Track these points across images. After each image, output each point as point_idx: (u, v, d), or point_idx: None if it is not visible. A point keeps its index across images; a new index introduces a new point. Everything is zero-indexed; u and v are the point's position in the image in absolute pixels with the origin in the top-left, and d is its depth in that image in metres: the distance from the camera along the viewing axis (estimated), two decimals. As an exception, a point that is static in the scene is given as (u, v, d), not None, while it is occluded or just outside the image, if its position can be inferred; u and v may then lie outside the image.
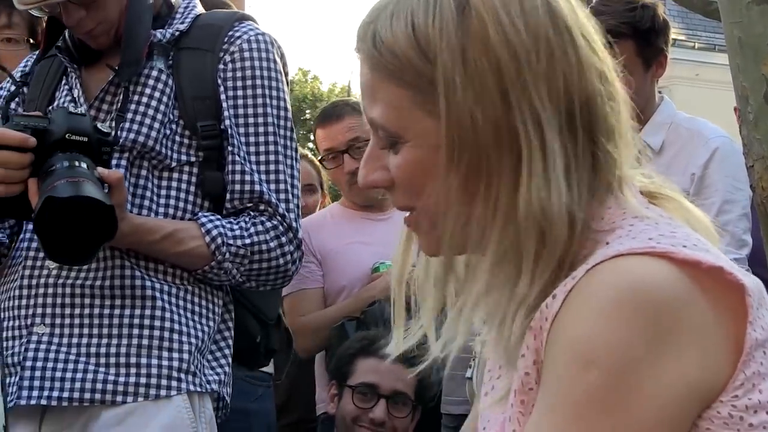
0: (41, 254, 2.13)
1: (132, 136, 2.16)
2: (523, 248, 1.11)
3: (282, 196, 2.21)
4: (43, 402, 2.06)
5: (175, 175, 2.20)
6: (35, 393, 2.06)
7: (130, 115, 2.17)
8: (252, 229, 2.18)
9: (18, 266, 2.18)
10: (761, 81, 2.29)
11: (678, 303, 1.04)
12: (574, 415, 1.04)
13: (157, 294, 2.14)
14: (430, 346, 1.26)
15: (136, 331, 2.11)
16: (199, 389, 2.14)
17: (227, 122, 2.20)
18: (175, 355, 2.12)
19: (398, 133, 1.17)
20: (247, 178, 2.19)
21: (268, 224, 2.19)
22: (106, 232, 1.94)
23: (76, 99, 2.23)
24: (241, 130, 2.21)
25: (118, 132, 2.15)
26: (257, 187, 2.19)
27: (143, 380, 2.09)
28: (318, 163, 4.05)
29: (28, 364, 2.08)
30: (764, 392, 1.07)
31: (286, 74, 2.32)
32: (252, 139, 2.21)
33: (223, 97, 2.21)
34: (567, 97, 1.13)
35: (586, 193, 1.13)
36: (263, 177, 2.20)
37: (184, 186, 2.20)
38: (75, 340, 2.10)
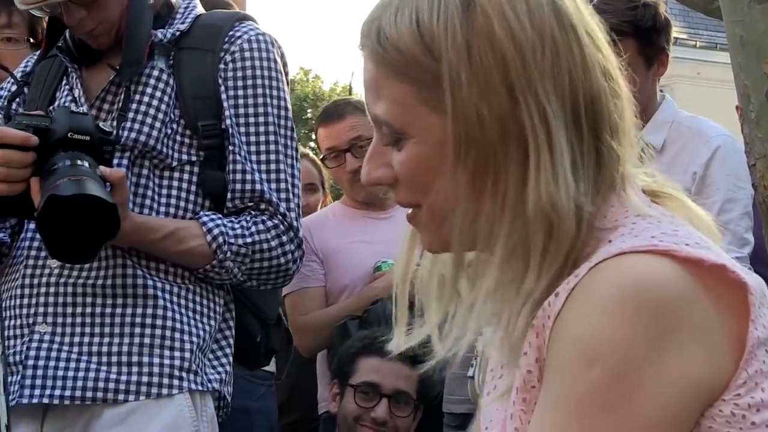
0: (43, 253, 2.14)
1: (133, 135, 2.16)
2: (531, 242, 1.11)
3: (283, 195, 2.22)
4: (45, 401, 2.07)
5: (176, 174, 2.20)
6: (37, 392, 2.06)
7: (131, 115, 2.18)
8: (253, 228, 2.18)
9: (19, 265, 2.18)
10: (763, 79, 2.29)
11: (680, 301, 1.04)
12: (577, 413, 1.04)
13: (159, 293, 2.14)
14: (435, 345, 1.25)
15: (137, 330, 2.11)
16: (200, 388, 2.14)
17: (228, 122, 2.20)
18: (177, 353, 2.12)
19: (402, 129, 1.17)
20: (248, 177, 2.19)
21: (269, 223, 2.20)
22: (108, 230, 1.94)
23: (77, 99, 2.23)
24: (242, 129, 2.21)
25: (120, 131, 2.15)
26: (258, 187, 2.19)
27: (145, 379, 2.09)
28: (319, 162, 4.05)
29: (30, 362, 2.08)
30: (767, 390, 1.07)
31: (287, 74, 2.33)
32: (253, 138, 2.22)
33: (223, 96, 2.21)
34: (572, 93, 1.13)
35: (592, 188, 1.14)
36: (264, 176, 2.21)
37: (185, 185, 2.20)
38: (77, 339, 2.10)
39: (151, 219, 2.14)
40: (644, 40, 2.88)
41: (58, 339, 2.10)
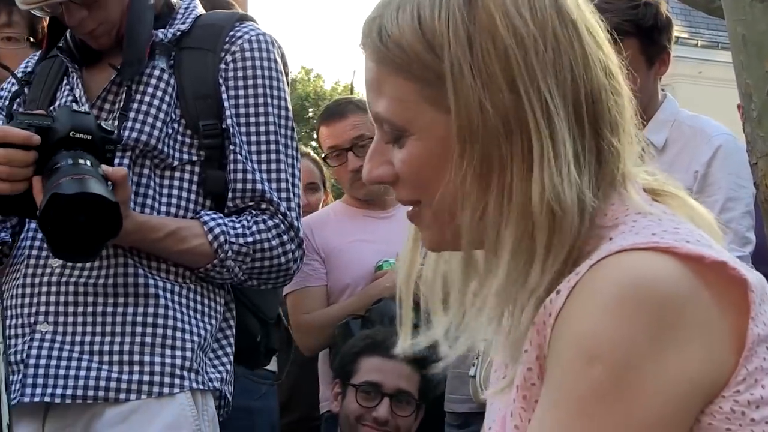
0: (44, 252, 2.14)
1: (135, 135, 2.16)
2: (536, 236, 1.12)
3: (283, 194, 2.22)
4: (47, 399, 2.07)
5: (177, 174, 2.20)
6: (38, 390, 2.07)
7: (132, 114, 2.18)
8: (254, 228, 2.18)
9: (20, 264, 2.18)
10: (764, 78, 2.29)
11: (681, 298, 1.05)
12: (577, 411, 1.05)
13: (160, 292, 2.14)
14: (443, 349, 1.25)
15: (139, 329, 2.11)
16: (201, 387, 2.14)
17: (229, 121, 2.20)
18: (178, 352, 2.12)
19: (404, 126, 1.17)
20: (249, 176, 2.19)
21: (270, 223, 2.20)
22: (111, 228, 1.94)
23: (78, 99, 2.24)
24: (243, 129, 2.21)
25: (121, 131, 2.15)
26: (259, 186, 2.19)
27: (146, 378, 2.09)
28: (320, 161, 4.05)
29: (32, 361, 2.08)
30: (767, 387, 1.07)
31: (287, 74, 2.33)
32: (253, 138, 2.22)
33: (224, 96, 2.21)
34: (573, 89, 1.14)
35: (593, 184, 1.14)
36: (264, 176, 2.21)
37: (185, 185, 2.20)
38: (78, 338, 2.10)
39: (152, 218, 2.15)
40: (646, 39, 2.88)
41: (59, 338, 2.10)
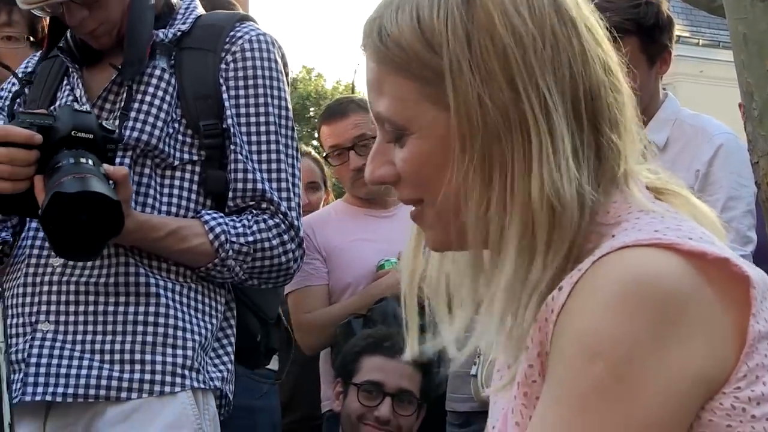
0: (45, 252, 2.14)
1: (135, 134, 2.16)
2: (536, 232, 1.12)
3: (284, 194, 2.22)
4: (48, 398, 2.07)
5: (178, 173, 2.20)
6: (40, 389, 2.07)
7: (133, 114, 2.18)
8: (254, 227, 2.19)
9: (21, 264, 2.18)
10: (766, 77, 2.29)
11: (684, 295, 1.05)
12: (579, 407, 1.05)
13: (161, 291, 2.14)
14: (451, 353, 1.25)
15: (140, 328, 2.11)
16: (202, 386, 2.14)
17: (229, 121, 2.21)
18: (179, 352, 2.12)
19: (405, 125, 1.18)
20: (249, 176, 2.20)
21: (270, 222, 2.20)
22: (112, 227, 1.94)
23: (78, 99, 2.24)
24: (243, 129, 2.22)
25: (122, 131, 2.16)
26: (259, 186, 2.20)
27: (148, 377, 2.09)
28: (321, 160, 4.05)
29: (33, 360, 2.08)
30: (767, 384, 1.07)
31: (287, 74, 2.34)
32: (254, 137, 2.22)
33: (225, 96, 2.22)
34: (572, 86, 1.14)
35: (593, 179, 1.14)
36: (265, 175, 2.21)
37: (186, 184, 2.21)
38: (79, 337, 2.10)
39: (153, 217, 2.15)
40: (647, 38, 2.88)
41: (60, 337, 2.10)
